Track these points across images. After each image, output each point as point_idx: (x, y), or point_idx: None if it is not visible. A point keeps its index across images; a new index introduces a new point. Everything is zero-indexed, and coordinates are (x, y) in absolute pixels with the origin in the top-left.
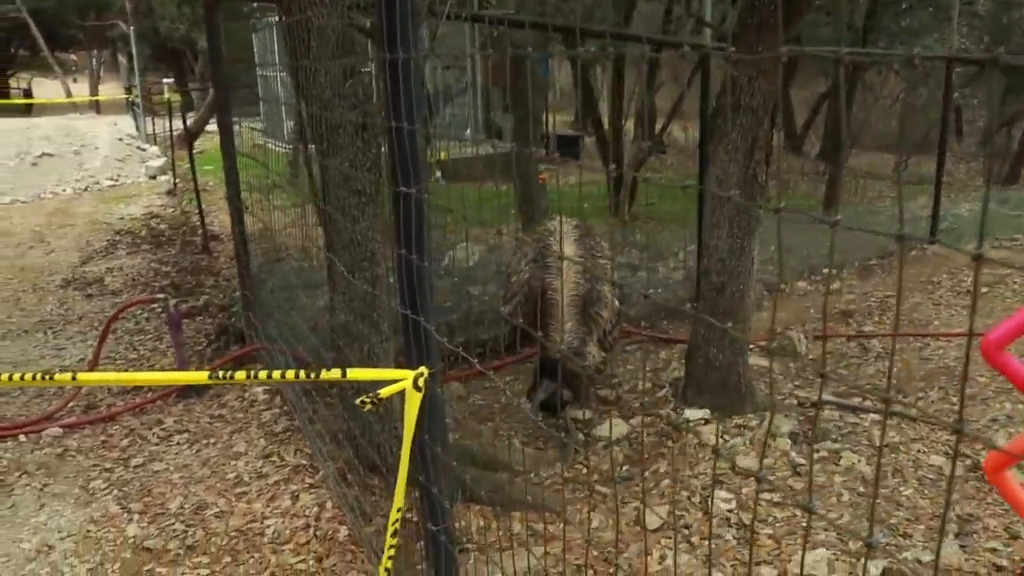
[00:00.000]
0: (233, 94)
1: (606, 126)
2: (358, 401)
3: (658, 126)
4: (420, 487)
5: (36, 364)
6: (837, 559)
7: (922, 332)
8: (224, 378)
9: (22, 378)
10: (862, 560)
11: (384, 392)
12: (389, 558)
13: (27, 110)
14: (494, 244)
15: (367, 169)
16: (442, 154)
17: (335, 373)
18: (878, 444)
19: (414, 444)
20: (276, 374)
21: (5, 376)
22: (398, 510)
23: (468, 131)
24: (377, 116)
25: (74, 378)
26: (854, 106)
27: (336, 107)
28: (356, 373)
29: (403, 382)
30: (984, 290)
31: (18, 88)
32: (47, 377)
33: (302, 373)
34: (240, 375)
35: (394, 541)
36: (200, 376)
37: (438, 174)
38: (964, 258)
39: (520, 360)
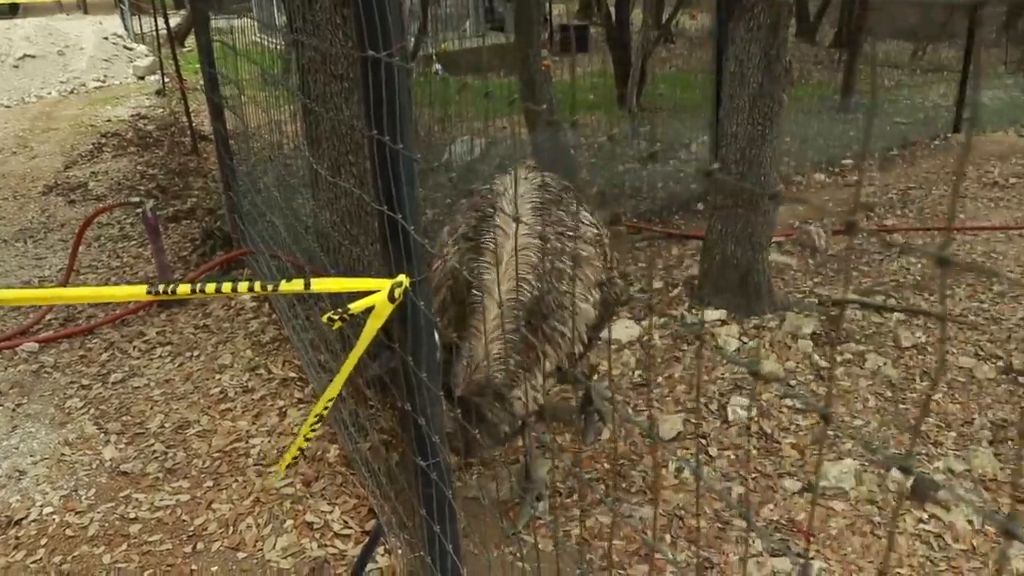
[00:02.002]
0: None
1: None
2: (324, 319)
3: (666, 15)
4: (407, 418)
5: (14, 275)
6: (865, 470)
7: (952, 226)
8: (165, 293)
9: None
10: (891, 471)
11: (355, 307)
12: (306, 439)
13: (12, 11)
14: (496, 137)
15: (350, 49)
16: (443, 45)
17: (297, 284)
18: (903, 345)
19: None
20: (226, 286)
21: None
22: (329, 400)
23: (468, 22)
24: None
25: None
26: None
27: None
28: (322, 284)
29: (377, 294)
30: (1012, 181)
31: None
32: None
33: (256, 285)
34: (183, 288)
35: (317, 425)
36: (138, 291)
37: (437, 66)
38: (991, 148)
39: None
